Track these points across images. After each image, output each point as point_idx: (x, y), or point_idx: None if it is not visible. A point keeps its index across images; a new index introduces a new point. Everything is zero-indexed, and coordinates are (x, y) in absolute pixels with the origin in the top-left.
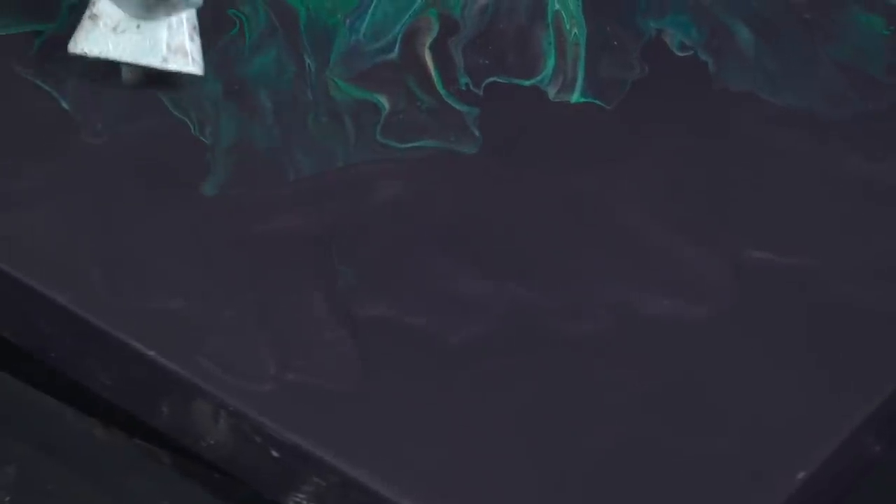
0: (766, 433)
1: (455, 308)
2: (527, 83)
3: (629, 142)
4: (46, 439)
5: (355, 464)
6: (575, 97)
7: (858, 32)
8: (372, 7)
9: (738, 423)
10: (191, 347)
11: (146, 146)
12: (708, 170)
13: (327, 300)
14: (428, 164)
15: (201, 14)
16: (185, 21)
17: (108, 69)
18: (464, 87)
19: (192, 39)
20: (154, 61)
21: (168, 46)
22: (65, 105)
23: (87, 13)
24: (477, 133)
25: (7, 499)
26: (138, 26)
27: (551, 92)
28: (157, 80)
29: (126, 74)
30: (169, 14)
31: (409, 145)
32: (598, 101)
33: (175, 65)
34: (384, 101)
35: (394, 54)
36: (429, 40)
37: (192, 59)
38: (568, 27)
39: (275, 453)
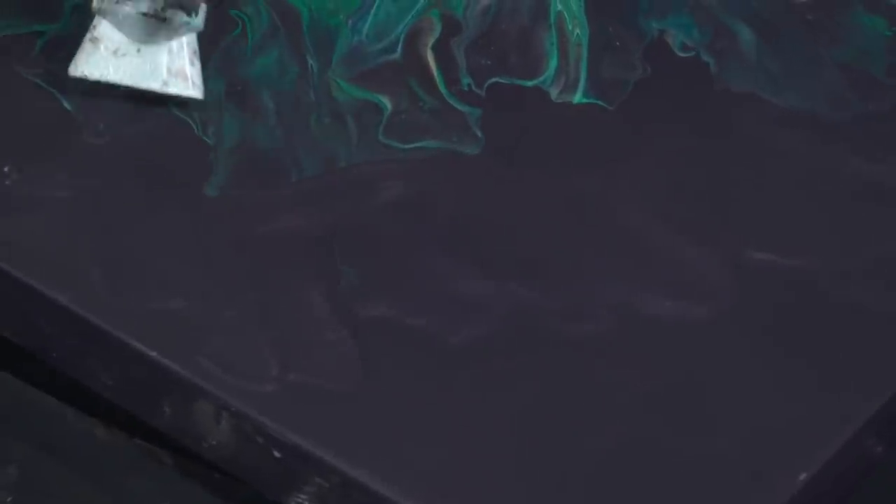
0: (767, 434)
1: (456, 308)
2: (529, 84)
3: (631, 142)
4: (47, 439)
5: (356, 464)
6: (577, 98)
7: (861, 33)
8: (374, 7)
9: (739, 423)
10: (192, 347)
11: (148, 146)
12: (709, 170)
13: (329, 300)
14: (430, 165)
15: None
16: (185, 45)
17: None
18: (466, 88)
19: (192, 63)
20: (154, 85)
21: (168, 70)
22: (67, 105)
23: (88, 36)
24: (479, 133)
25: (9, 499)
26: (139, 50)
27: (554, 92)
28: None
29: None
30: (170, 38)
31: (412, 146)
32: (600, 102)
33: (175, 88)
34: (386, 101)
35: (396, 55)
36: (431, 41)
37: (193, 82)
38: (570, 28)
39: (276, 453)
